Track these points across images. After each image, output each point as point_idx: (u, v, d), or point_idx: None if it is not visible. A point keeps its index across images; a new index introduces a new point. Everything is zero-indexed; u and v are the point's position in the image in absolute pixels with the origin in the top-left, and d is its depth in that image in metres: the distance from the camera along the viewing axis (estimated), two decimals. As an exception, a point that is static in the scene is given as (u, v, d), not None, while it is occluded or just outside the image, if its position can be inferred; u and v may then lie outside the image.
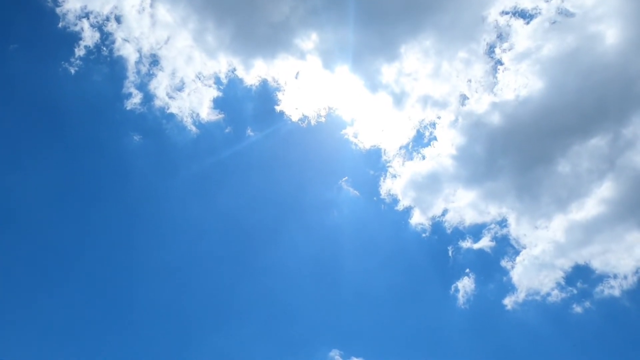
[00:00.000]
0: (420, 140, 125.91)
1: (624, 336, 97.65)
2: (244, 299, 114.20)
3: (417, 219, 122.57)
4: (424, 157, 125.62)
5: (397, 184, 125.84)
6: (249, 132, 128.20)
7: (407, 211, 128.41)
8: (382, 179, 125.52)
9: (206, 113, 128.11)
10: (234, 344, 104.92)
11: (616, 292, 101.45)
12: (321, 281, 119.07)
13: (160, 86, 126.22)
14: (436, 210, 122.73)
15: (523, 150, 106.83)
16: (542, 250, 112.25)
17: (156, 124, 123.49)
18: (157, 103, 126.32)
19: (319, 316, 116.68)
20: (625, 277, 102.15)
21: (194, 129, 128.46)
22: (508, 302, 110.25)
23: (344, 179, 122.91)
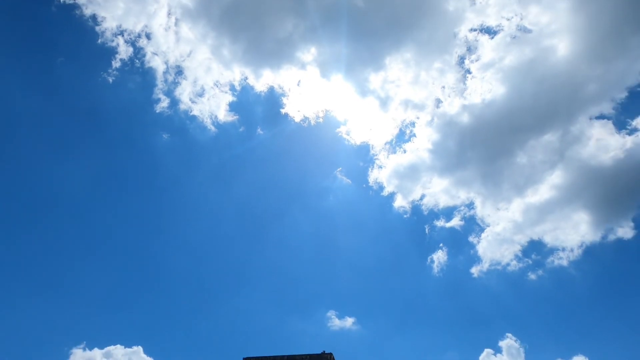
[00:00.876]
0: (402, 137, 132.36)
1: (571, 298, 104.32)
2: (256, 269, 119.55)
3: (400, 202, 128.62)
4: (405, 151, 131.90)
5: (382, 174, 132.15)
6: (259, 131, 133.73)
7: (391, 196, 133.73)
8: (370, 169, 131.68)
9: (223, 115, 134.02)
10: (248, 305, 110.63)
11: (564, 263, 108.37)
12: (319, 254, 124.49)
13: (184, 92, 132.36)
14: (415, 195, 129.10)
15: (488, 144, 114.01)
16: (503, 228, 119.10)
17: (181, 124, 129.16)
18: (182, 107, 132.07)
19: (318, 283, 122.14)
20: (572, 250, 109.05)
21: (213, 128, 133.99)
22: (474, 271, 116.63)
23: (338, 169, 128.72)
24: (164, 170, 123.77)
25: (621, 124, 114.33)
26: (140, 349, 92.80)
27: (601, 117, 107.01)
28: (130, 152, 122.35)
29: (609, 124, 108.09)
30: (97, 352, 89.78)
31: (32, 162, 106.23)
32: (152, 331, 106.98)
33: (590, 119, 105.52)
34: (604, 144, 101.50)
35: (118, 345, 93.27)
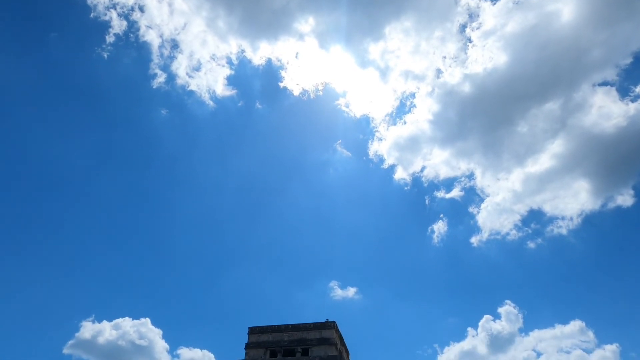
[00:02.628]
0: (402, 108, 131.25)
1: (569, 266, 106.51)
2: (259, 242, 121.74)
3: (400, 174, 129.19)
4: (405, 123, 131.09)
5: (382, 146, 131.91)
6: (258, 105, 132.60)
7: (391, 168, 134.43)
8: (370, 142, 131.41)
9: (221, 89, 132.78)
10: (252, 277, 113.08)
11: (563, 231, 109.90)
12: (321, 227, 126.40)
13: (180, 67, 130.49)
14: (416, 167, 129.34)
15: (489, 114, 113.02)
16: (503, 197, 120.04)
17: (179, 100, 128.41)
18: (179, 82, 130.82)
19: (320, 255, 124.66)
20: (571, 219, 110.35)
21: (211, 103, 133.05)
22: (474, 240, 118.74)
23: (338, 142, 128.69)
24: (164, 147, 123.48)
25: (625, 91, 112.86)
26: (147, 320, 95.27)
27: (604, 83, 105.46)
28: (130, 129, 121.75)
29: (612, 91, 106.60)
30: (106, 324, 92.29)
31: (30, 140, 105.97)
32: (159, 303, 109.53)
33: (594, 85, 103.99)
34: (606, 111, 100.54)
35: (126, 318, 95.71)
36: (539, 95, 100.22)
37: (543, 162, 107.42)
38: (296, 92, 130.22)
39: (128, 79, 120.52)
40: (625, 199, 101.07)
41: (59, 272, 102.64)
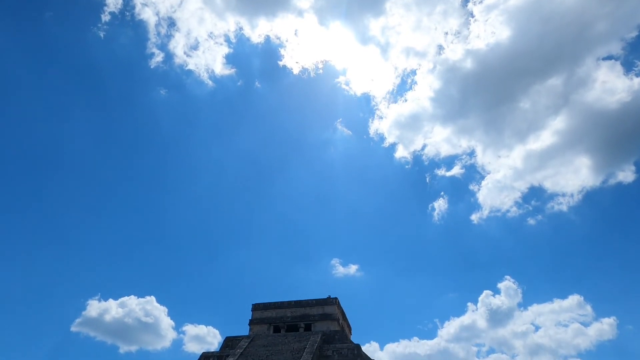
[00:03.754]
0: (403, 86, 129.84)
1: (569, 242, 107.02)
2: (261, 220, 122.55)
3: (401, 153, 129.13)
4: (406, 100, 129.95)
5: (383, 124, 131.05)
6: (257, 84, 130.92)
7: (392, 147, 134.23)
8: (370, 120, 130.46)
9: (220, 68, 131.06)
10: (255, 255, 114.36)
11: (564, 208, 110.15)
12: (322, 205, 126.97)
13: (178, 46, 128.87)
14: (416, 146, 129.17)
15: (491, 91, 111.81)
16: (504, 175, 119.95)
17: (178, 80, 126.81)
18: (177, 61, 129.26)
19: (322, 233, 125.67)
20: (572, 196, 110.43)
21: (210, 83, 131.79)
22: (474, 217, 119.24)
23: (338, 120, 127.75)
24: (164, 127, 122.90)
25: (629, 65, 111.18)
26: (153, 298, 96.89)
27: (609, 57, 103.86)
28: (129, 110, 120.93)
29: (617, 65, 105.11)
30: (112, 303, 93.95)
31: (26, 122, 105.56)
32: (163, 282, 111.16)
33: (598, 60, 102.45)
34: (610, 86, 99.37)
35: (131, 296, 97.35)
36: (542, 71, 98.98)
37: (545, 138, 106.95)
38: (296, 71, 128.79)
39: (125, 59, 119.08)
40: (626, 175, 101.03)
41: (63, 252, 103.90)
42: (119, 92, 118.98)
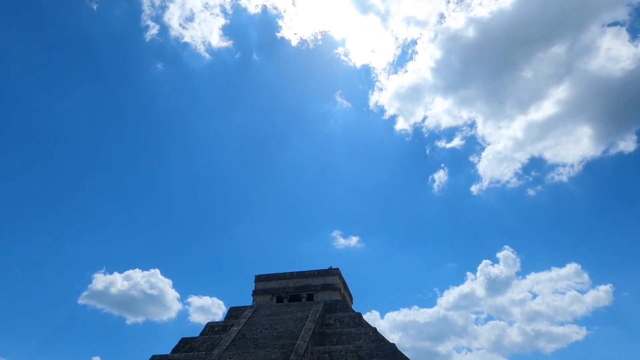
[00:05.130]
0: (404, 56, 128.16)
1: (567, 212, 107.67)
2: (262, 194, 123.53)
3: (401, 125, 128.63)
4: (406, 71, 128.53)
5: (383, 96, 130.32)
6: (255, 57, 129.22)
7: (392, 119, 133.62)
8: (370, 92, 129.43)
9: (217, 41, 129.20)
10: (256, 228, 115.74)
11: (564, 178, 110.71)
12: (322, 178, 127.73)
13: (173, 17, 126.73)
14: (417, 117, 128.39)
15: (493, 60, 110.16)
16: (504, 146, 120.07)
17: (174, 53, 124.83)
18: (172, 33, 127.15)
19: (322, 205, 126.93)
20: (572, 166, 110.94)
21: (207, 56, 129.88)
22: (474, 189, 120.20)
23: (337, 92, 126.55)
24: (162, 102, 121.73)
25: (635, 31, 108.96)
26: (157, 271, 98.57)
27: (614, 23, 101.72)
28: (125, 84, 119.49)
29: (623, 31, 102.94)
30: (117, 276, 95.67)
31: (22, 98, 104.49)
32: (167, 255, 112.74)
33: (603, 26, 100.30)
34: (614, 54, 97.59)
35: (136, 269, 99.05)
36: (545, 39, 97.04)
37: (546, 108, 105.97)
38: (294, 43, 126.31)
39: (120, 32, 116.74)
40: (627, 145, 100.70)
41: (67, 227, 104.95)
42: (114, 66, 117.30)
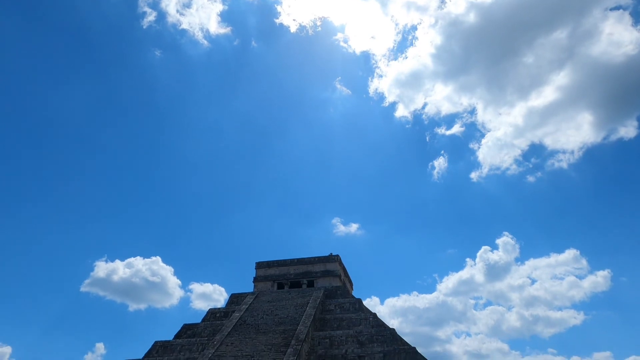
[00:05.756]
0: (404, 43, 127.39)
1: (567, 198, 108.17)
2: (262, 181, 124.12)
3: (401, 112, 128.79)
4: (406, 57, 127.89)
5: (383, 83, 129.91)
6: (254, 43, 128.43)
7: (392, 106, 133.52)
8: (370, 79, 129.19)
9: (215, 27, 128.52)
10: (257, 216, 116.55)
11: (564, 165, 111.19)
12: (322, 165, 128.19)
13: (170, 4, 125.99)
14: (417, 104, 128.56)
15: (494, 45, 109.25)
16: (504, 132, 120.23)
17: (172, 40, 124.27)
18: (170, 20, 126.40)
19: (323, 192, 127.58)
20: (572, 152, 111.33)
21: (205, 42, 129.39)
22: (474, 176, 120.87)
23: (337, 79, 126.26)
24: (160, 90, 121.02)
25: (638, 16, 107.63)
26: (158, 259, 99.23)
27: (617, 7, 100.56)
28: (123, 73, 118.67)
29: (626, 16, 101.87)
30: (119, 263, 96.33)
31: (21, 87, 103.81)
32: (168, 243, 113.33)
33: (605, 10, 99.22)
34: (616, 38, 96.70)
35: (137, 257, 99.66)
36: (547, 23, 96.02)
37: (547, 94, 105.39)
38: (293, 29, 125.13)
39: (117, 19, 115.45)
40: (628, 131, 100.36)
41: (68, 216, 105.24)
42: (111, 54, 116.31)
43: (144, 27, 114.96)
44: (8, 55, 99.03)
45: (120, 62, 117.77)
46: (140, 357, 31.33)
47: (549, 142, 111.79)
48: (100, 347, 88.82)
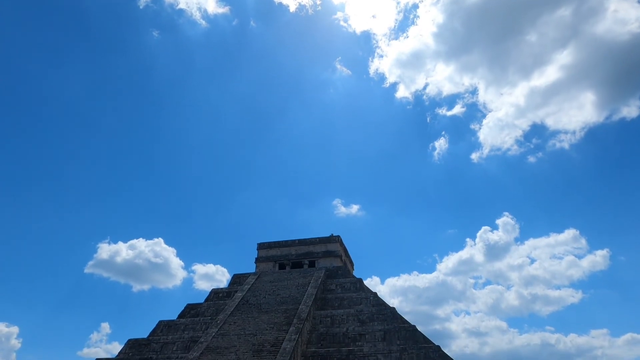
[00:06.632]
0: (405, 22, 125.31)
1: (567, 178, 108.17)
2: (263, 163, 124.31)
3: (402, 93, 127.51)
4: (407, 37, 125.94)
5: (384, 63, 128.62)
6: (252, 23, 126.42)
7: (393, 87, 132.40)
8: (370, 59, 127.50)
9: (212, 7, 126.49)
10: (258, 197, 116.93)
11: (565, 145, 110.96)
12: (323, 147, 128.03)
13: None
14: (418, 85, 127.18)
15: (497, 23, 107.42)
16: (505, 112, 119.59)
17: (170, 20, 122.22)
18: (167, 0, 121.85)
19: (324, 174, 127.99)
20: (574, 133, 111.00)
21: (204, 23, 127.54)
22: (474, 156, 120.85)
23: (337, 59, 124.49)
24: (159, 71, 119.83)
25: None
26: (161, 240, 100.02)
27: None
28: (120, 54, 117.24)
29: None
30: (121, 245, 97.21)
31: (19, 67, 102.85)
32: (170, 225, 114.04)
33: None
34: (622, 16, 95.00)
35: (140, 239, 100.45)
36: (551, 1, 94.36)
37: (550, 74, 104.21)
38: (292, 8, 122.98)
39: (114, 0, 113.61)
40: (630, 110, 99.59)
41: (70, 198, 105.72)
42: (108, 34, 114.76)
43: (141, 7, 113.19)
44: (2, 36, 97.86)
45: (117, 42, 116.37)
46: (145, 336, 31.95)
47: (551, 123, 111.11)
48: (105, 326, 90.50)
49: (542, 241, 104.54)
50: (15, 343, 78.74)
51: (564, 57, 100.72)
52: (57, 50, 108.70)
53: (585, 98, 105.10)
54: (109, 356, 32.64)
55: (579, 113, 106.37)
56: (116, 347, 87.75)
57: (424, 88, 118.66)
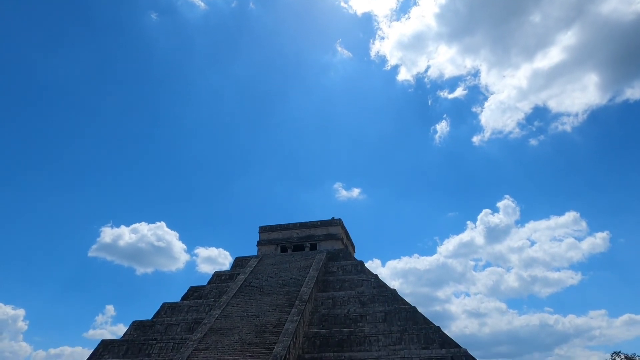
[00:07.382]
0: (407, 2, 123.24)
1: (569, 161, 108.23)
2: (264, 147, 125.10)
3: (403, 76, 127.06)
4: (409, 18, 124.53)
5: (385, 45, 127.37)
6: (252, 5, 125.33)
7: (394, 69, 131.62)
8: (371, 41, 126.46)
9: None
10: (260, 181, 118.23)
11: (567, 128, 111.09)
12: (324, 130, 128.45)
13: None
14: (420, 67, 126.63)
15: (500, 3, 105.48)
16: (508, 95, 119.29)
17: (168, 2, 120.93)
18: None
19: (325, 157, 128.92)
20: (577, 115, 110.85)
21: (202, 5, 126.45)
22: (476, 140, 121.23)
23: (338, 41, 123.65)
24: (158, 54, 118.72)
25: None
26: (163, 224, 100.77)
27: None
28: (119, 36, 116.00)
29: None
30: (124, 229, 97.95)
31: (18, 52, 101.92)
32: (172, 208, 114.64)
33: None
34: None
35: (142, 222, 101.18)
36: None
37: (553, 55, 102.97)
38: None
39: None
40: (634, 92, 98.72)
41: (73, 183, 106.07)
42: (107, 17, 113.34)
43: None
44: (2, 19, 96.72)
45: (116, 25, 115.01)
46: (150, 318, 32.43)
47: (553, 105, 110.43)
48: (110, 308, 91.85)
49: (543, 224, 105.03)
50: (22, 325, 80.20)
51: (568, 38, 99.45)
52: (57, 33, 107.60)
53: (589, 80, 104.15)
54: (114, 337, 33.20)
55: (582, 95, 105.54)
56: (121, 329, 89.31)
57: (426, 70, 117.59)
